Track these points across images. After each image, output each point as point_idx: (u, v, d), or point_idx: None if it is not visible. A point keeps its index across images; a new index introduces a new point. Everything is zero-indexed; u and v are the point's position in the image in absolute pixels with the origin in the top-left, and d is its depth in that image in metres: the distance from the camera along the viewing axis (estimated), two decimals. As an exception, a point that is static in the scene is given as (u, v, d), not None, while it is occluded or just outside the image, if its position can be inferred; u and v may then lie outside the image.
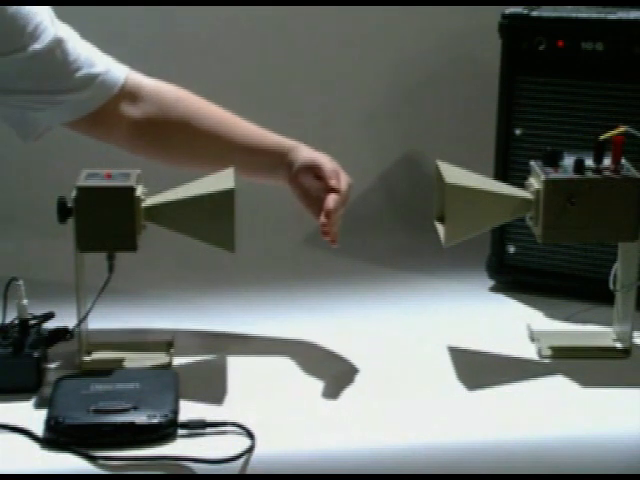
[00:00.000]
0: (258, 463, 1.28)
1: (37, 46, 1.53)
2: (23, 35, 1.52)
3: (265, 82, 2.15)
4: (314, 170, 1.58)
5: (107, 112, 1.60)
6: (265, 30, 2.16)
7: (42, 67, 1.55)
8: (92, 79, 1.58)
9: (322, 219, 1.51)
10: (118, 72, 1.61)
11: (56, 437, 1.30)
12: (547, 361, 1.56)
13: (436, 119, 2.20)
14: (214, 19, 2.13)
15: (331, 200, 1.52)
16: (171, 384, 1.41)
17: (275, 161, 1.61)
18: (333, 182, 1.55)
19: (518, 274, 1.83)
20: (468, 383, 1.48)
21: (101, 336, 1.57)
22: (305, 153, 1.61)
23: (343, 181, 1.57)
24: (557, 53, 1.73)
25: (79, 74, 1.57)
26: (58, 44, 1.55)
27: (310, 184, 1.59)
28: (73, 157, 1.95)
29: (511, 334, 1.63)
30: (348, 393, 1.46)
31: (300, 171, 1.59)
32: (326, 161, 1.58)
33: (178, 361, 1.53)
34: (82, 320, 1.49)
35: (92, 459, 1.27)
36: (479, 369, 1.53)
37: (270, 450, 1.30)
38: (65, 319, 1.52)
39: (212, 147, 1.63)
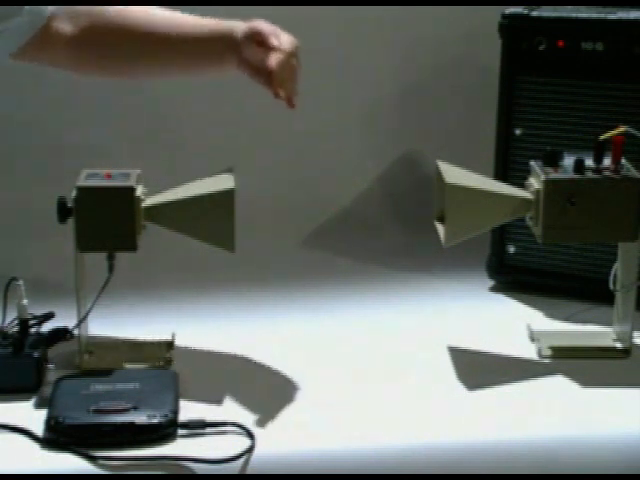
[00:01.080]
0: (258, 463, 1.28)
1: None
2: None
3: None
4: (254, 38, 1.52)
5: (48, 33, 1.56)
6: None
7: None
8: (21, 6, 1.53)
9: (264, 80, 1.47)
10: None
11: (56, 437, 1.30)
12: (547, 361, 1.56)
13: (436, 119, 2.20)
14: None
15: (272, 58, 1.47)
16: (171, 384, 1.41)
17: (220, 46, 1.56)
18: (272, 40, 1.49)
19: (518, 274, 1.82)
20: (468, 383, 1.48)
21: (101, 336, 1.57)
22: (241, 26, 1.55)
23: (284, 39, 1.51)
24: (557, 53, 1.73)
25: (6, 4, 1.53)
26: None
27: (255, 55, 1.52)
28: (73, 157, 1.96)
29: (511, 334, 1.63)
30: (348, 393, 1.46)
31: (242, 45, 1.54)
32: (262, 24, 1.53)
33: (178, 361, 1.53)
34: (82, 320, 1.49)
35: (92, 459, 1.27)
36: (479, 369, 1.53)
37: (270, 450, 1.30)
38: (65, 319, 1.53)
39: (151, 44, 1.57)
